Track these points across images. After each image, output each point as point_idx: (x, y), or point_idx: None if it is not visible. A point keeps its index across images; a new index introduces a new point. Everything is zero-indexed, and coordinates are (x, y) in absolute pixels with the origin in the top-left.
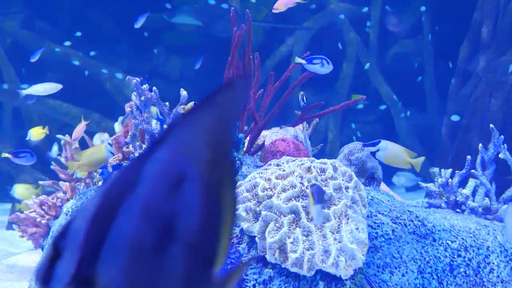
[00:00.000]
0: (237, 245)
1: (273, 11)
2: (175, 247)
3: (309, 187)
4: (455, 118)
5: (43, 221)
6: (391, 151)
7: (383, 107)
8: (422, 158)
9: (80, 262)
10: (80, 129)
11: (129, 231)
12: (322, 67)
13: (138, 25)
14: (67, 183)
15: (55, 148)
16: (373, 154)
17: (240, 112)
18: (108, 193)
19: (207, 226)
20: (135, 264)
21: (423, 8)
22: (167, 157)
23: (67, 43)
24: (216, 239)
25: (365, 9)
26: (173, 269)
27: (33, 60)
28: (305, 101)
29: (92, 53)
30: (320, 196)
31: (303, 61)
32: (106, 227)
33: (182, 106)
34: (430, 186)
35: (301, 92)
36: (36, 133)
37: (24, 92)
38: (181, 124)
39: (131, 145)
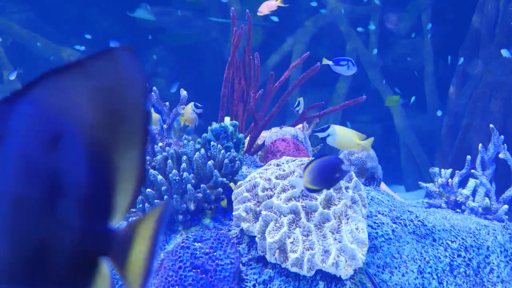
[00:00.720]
0: (237, 245)
1: (258, 14)
2: (65, 201)
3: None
4: (438, 113)
5: None
6: (341, 135)
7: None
8: (372, 139)
9: None
10: None
11: (7, 186)
12: (348, 69)
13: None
14: None
15: None
16: (324, 139)
17: (139, 83)
18: None
19: (99, 184)
20: (20, 221)
21: (423, 8)
22: (36, 112)
23: (79, 48)
24: (109, 196)
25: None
26: (65, 223)
27: (11, 78)
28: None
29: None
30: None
31: (330, 62)
32: None
33: (182, 106)
34: (430, 186)
35: (299, 98)
36: None
37: None
38: (47, 83)
39: None
